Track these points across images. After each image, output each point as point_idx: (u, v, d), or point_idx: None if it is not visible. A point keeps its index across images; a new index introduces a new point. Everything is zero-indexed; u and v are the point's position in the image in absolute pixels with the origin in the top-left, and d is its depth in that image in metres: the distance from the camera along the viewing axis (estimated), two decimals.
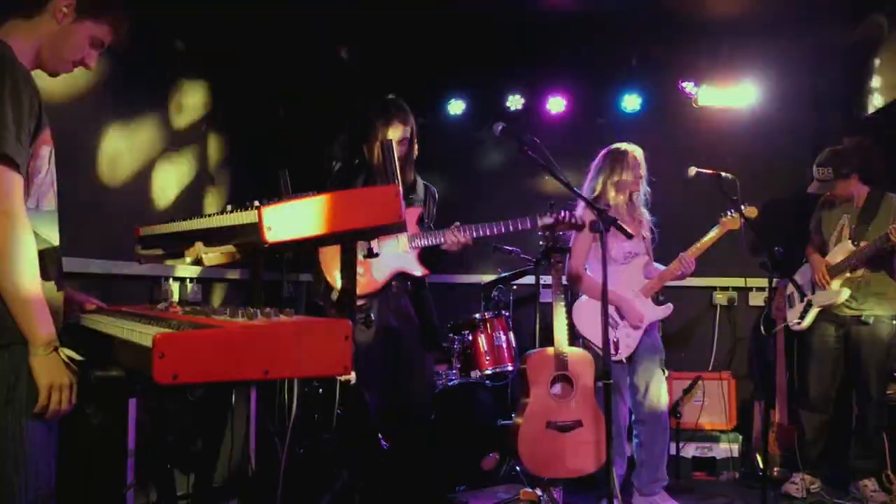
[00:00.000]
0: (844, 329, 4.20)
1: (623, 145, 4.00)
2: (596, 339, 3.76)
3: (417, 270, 3.33)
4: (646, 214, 4.04)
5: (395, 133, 3.39)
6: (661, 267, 4.04)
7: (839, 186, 4.25)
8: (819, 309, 4.24)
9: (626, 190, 3.94)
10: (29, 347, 1.85)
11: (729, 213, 3.98)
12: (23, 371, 1.88)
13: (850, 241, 4.16)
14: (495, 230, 3.41)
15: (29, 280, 1.84)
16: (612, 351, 3.81)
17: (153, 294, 3.79)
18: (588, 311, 3.91)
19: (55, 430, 1.99)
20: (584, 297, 3.97)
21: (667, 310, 3.98)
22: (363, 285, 3.28)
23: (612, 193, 3.92)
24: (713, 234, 3.99)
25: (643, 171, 3.96)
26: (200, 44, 4.26)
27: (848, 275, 4.14)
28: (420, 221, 3.42)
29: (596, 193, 3.96)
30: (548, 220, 3.49)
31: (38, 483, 1.92)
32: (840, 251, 4.20)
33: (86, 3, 2.03)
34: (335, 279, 3.29)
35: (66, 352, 1.90)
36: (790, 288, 4.37)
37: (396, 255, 3.34)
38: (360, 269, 3.27)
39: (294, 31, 4.77)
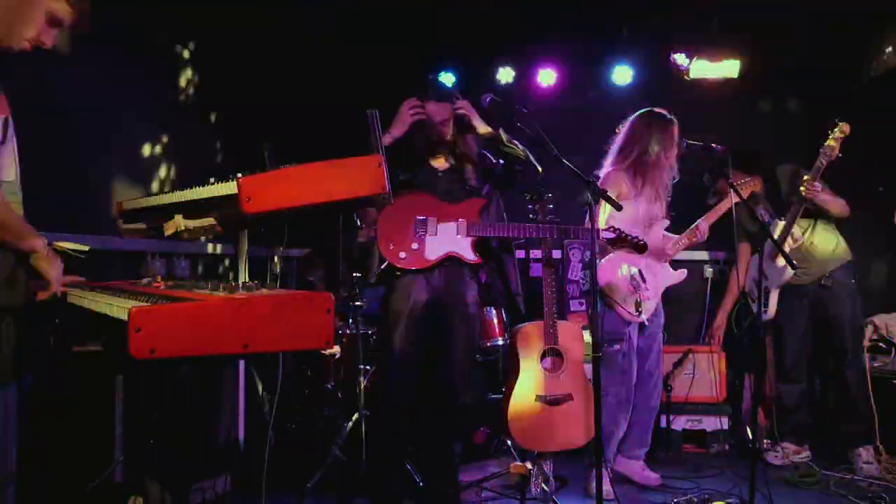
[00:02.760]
0: (809, 298, 4.34)
1: (666, 113, 3.90)
2: (619, 298, 3.82)
3: (470, 256, 3.33)
4: (668, 182, 4.00)
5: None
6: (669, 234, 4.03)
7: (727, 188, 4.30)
8: (777, 290, 4.33)
9: (670, 159, 3.88)
10: (31, 255, 1.98)
11: (741, 182, 3.97)
12: None
13: (778, 220, 4.29)
14: (548, 233, 3.41)
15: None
16: (635, 312, 3.83)
17: (140, 270, 3.75)
18: (613, 267, 3.89)
19: (13, 409, 1.96)
20: (612, 254, 3.93)
21: (682, 274, 3.99)
22: (413, 260, 3.29)
23: (658, 159, 3.83)
24: (726, 202, 3.96)
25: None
26: (189, 19, 4.20)
27: (789, 247, 4.24)
28: (482, 212, 3.39)
29: (640, 155, 3.84)
30: (610, 234, 3.50)
31: (2, 462, 1.88)
32: (774, 232, 4.28)
33: None
34: (389, 251, 3.28)
35: (63, 245, 2.02)
36: (749, 285, 4.51)
37: (453, 239, 3.34)
38: (414, 245, 3.28)
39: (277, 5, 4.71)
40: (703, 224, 3.93)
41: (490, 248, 3.53)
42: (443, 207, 3.34)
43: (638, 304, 3.84)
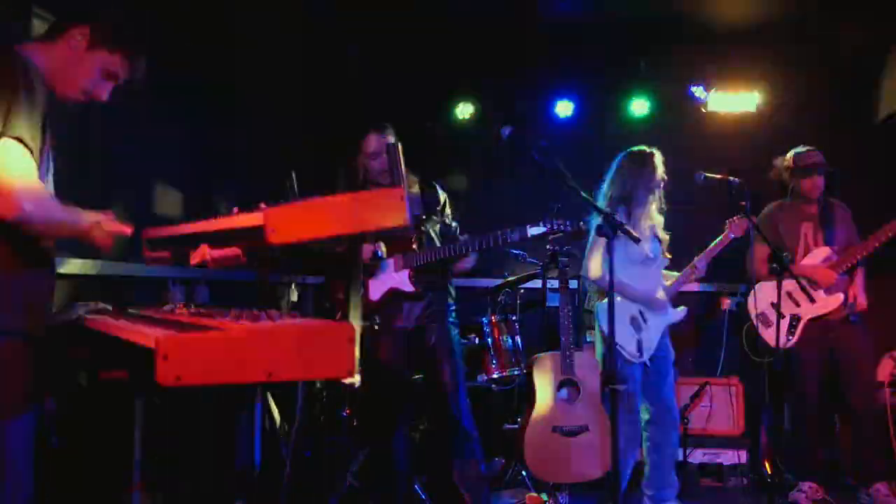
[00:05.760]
0: (835, 332, 4.21)
1: (645, 147, 3.95)
2: (620, 339, 3.76)
3: (408, 287, 3.40)
4: (660, 217, 4.03)
5: (368, 146, 3.50)
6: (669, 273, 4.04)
7: (814, 183, 4.26)
8: (807, 320, 4.22)
9: (653, 192, 3.92)
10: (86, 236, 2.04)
11: (735, 218, 3.96)
12: (2, 371, 1.87)
13: (826, 246, 4.22)
14: (480, 244, 3.39)
15: (51, 208, 1.95)
16: (636, 352, 3.80)
17: (161, 296, 3.80)
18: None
19: (31, 437, 1.98)
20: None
21: (682, 313, 3.97)
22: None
23: (640, 195, 3.88)
24: (720, 239, 3.98)
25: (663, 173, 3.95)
26: (210, 47, 4.28)
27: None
28: (416, 242, 3.45)
29: (623, 196, 3.90)
30: (537, 230, 3.36)
31: (17, 490, 1.90)
32: (816, 257, 4.22)
33: (99, 33, 2.08)
34: (338, 300, 3.42)
35: (109, 224, 2.06)
36: (760, 307, 4.32)
37: (391, 275, 3.43)
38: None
39: (303, 35, 4.79)
40: (701, 262, 3.96)
41: (432, 273, 3.57)
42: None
43: (640, 345, 3.82)
